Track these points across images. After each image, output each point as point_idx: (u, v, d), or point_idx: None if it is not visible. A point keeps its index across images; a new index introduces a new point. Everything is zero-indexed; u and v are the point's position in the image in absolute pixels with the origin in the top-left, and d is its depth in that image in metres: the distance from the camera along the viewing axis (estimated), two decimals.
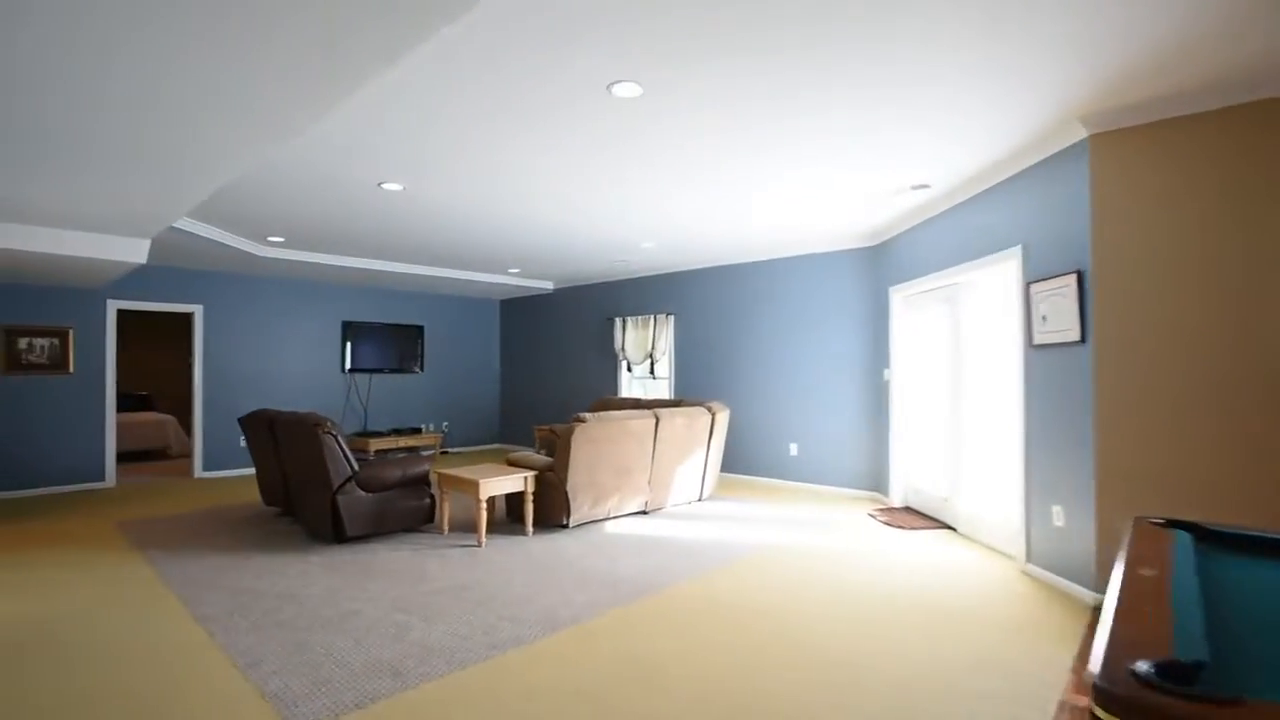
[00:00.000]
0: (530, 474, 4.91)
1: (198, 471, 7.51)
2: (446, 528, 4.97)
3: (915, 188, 4.55)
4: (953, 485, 5.01)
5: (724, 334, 7.57)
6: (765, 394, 7.14)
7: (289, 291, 8.26)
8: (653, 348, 8.18)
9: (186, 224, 5.41)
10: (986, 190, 4.34)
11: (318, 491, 4.63)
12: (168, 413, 10.44)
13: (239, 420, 5.59)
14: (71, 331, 6.75)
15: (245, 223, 5.59)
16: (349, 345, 8.70)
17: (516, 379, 10.34)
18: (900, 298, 5.87)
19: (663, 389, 8.37)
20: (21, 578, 3.97)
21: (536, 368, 9.98)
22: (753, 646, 2.97)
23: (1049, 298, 3.64)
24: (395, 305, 9.30)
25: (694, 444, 5.85)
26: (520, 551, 4.50)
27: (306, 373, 8.41)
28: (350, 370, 8.72)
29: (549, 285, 9.53)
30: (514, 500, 5.25)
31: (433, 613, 3.38)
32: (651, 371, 8.39)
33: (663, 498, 5.71)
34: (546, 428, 8.51)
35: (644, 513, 5.64)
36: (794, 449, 6.88)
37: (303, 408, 8.34)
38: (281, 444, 4.99)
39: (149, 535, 4.95)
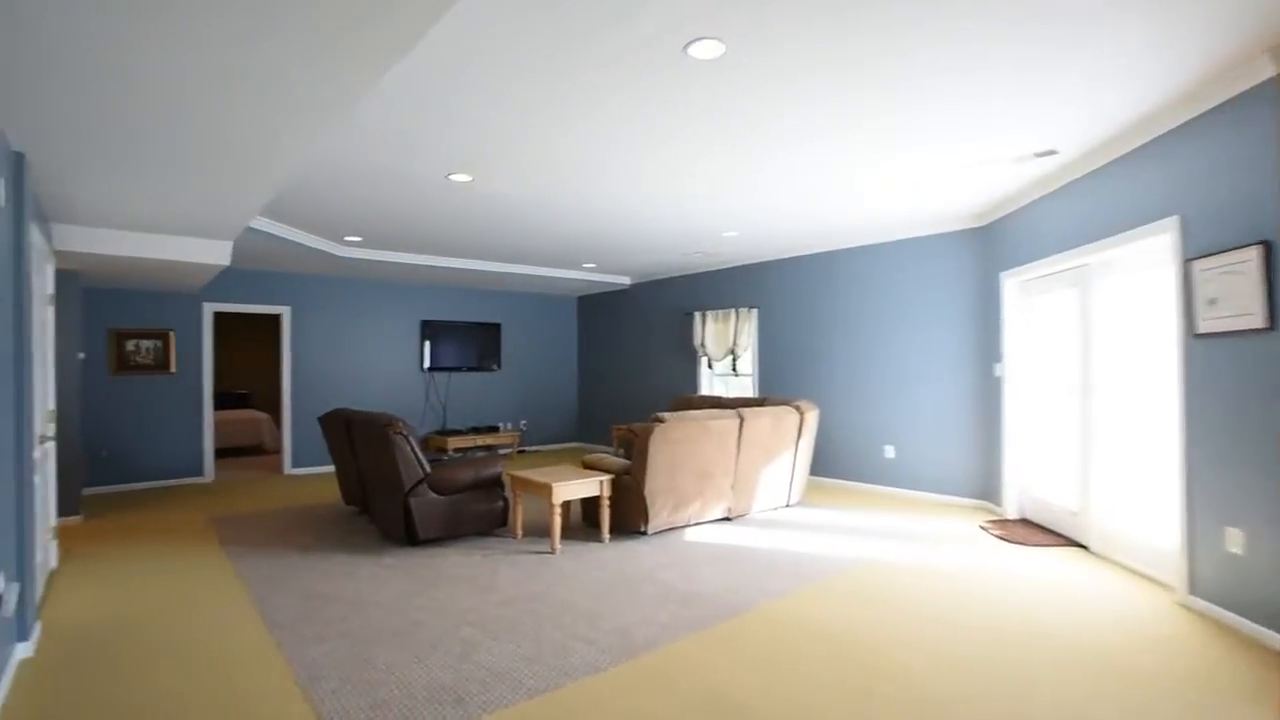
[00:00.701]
0: (606, 478, 4.64)
1: (287, 468, 7.70)
2: (520, 532, 4.77)
3: (1040, 155, 3.95)
4: (1084, 497, 4.37)
5: (811, 328, 7.07)
6: (857, 392, 6.60)
7: (370, 292, 8.37)
8: (734, 343, 7.77)
9: (266, 225, 5.47)
10: (1131, 153, 3.70)
11: (390, 493, 4.53)
12: (265, 411, 10.90)
13: (318, 419, 5.61)
14: (172, 334, 7.04)
15: (322, 223, 5.59)
16: (428, 344, 8.75)
17: (594, 377, 10.15)
18: (1015, 283, 5.22)
19: (745, 387, 7.94)
20: (118, 571, 4.04)
21: (614, 365, 9.76)
22: (851, 686, 2.56)
23: (1219, 276, 3.02)
24: (473, 304, 9.30)
25: (781, 446, 5.42)
26: (595, 560, 4.23)
27: (387, 372, 8.51)
28: (429, 369, 8.77)
29: (626, 280, 9.27)
30: (590, 504, 5.00)
31: (501, 628, 3.15)
32: (733, 368, 7.98)
33: (747, 503, 5.32)
34: (624, 427, 8.25)
35: (727, 519, 5.26)
36: (890, 452, 6.31)
37: (383, 407, 8.45)
38: (357, 444, 4.93)
39: (236, 532, 5.01)
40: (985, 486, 5.62)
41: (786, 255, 7.32)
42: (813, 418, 5.69)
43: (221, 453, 9.23)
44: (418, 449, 4.46)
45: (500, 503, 4.80)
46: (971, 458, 5.73)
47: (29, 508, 3.03)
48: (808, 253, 7.11)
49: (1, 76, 2.31)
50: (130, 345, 6.83)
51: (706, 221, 5.78)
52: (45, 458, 4.09)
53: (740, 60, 2.77)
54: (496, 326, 9.41)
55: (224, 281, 7.31)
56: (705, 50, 2.66)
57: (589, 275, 8.78)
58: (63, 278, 5.32)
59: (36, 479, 3.69)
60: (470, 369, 9.15)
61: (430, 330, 8.77)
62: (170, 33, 1.96)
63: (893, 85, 3.00)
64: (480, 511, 4.69)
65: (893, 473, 6.31)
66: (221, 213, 4.08)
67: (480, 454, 9.07)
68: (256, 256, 6.56)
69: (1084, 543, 4.36)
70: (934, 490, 5.98)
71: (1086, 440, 4.32)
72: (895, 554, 4.32)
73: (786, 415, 5.39)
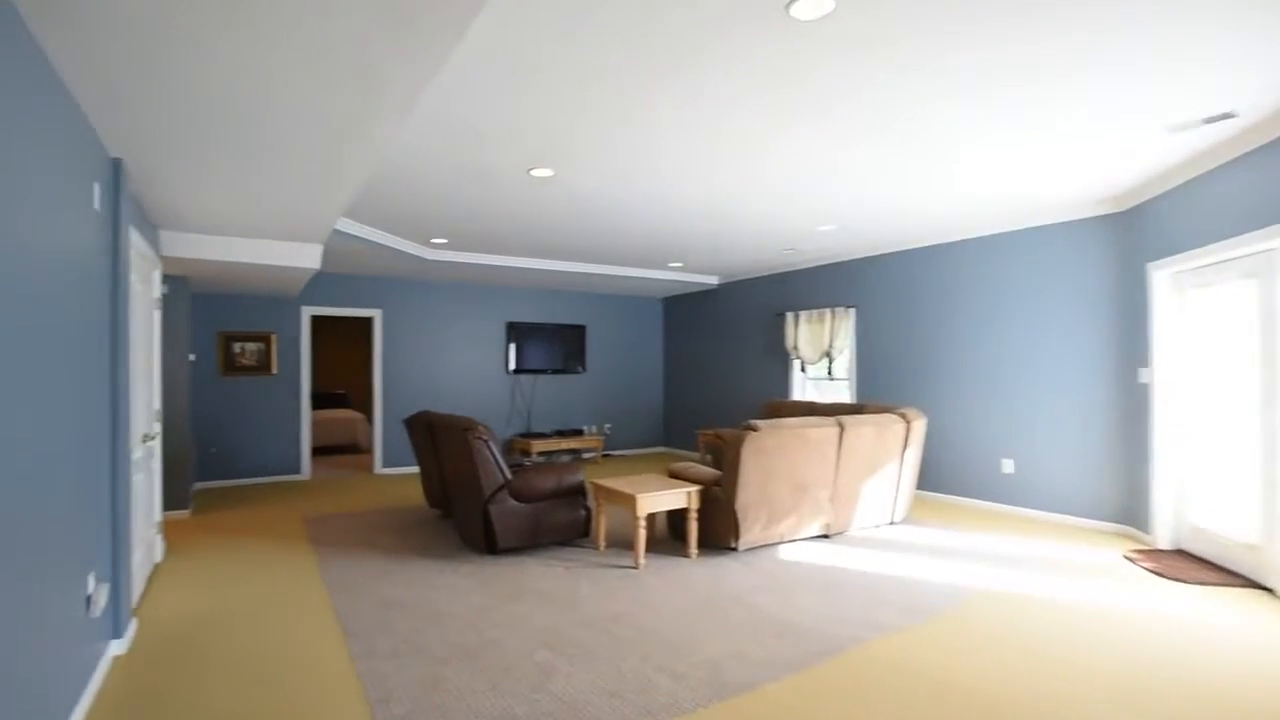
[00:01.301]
0: (694, 489, 4.34)
1: (378, 468, 7.87)
2: (602, 543, 4.54)
3: (1211, 120, 3.33)
4: (1267, 529, 3.67)
5: (915, 328, 6.49)
6: (969, 399, 5.98)
7: (457, 294, 8.44)
8: (830, 345, 7.28)
9: (357, 229, 5.53)
10: None
11: (471, 499, 4.41)
12: (361, 411, 11.30)
13: (403, 421, 5.62)
14: (274, 336, 7.32)
15: (409, 225, 5.60)
16: (513, 346, 8.75)
17: (680, 380, 9.87)
18: (1166, 275, 4.52)
19: (841, 392, 7.43)
20: (215, 568, 4.12)
21: (701, 368, 9.44)
22: None
23: None
24: (558, 306, 9.23)
25: (885, 457, 4.94)
26: (681, 578, 3.93)
27: (473, 374, 8.56)
28: (514, 371, 8.76)
29: (713, 280, 8.94)
30: (676, 517, 4.72)
31: (580, 652, 2.91)
32: (828, 372, 7.48)
33: (847, 519, 4.87)
34: (712, 432, 7.92)
35: (824, 537, 4.84)
36: (1008, 466, 5.67)
37: (469, 409, 8.50)
38: (440, 447, 4.87)
39: (325, 531, 5.06)
40: (1127, 510, 4.91)
41: (887, 250, 6.77)
42: (920, 427, 5.17)
43: (320, 450, 9.60)
44: (498, 454, 4.32)
45: (582, 512, 4.60)
46: (1109, 476, 5.03)
47: (124, 510, 3.06)
48: (911, 247, 6.54)
49: (99, 86, 2.31)
50: (237, 348, 7.15)
51: (801, 215, 5.38)
52: (150, 455, 4.23)
53: (847, 20, 2.41)
54: (581, 328, 9.31)
55: (320, 286, 7.54)
56: (810, 8, 2.32)
57: (675, 275, 8.51)
58: (173, 283, 5.57)
59: (139, 477, 3.79)
60: (555, 371, 9.08)
61: (515, 332, 8.77)
62: (253, 13, 1.84)
63: (1028, 44, 2.55)
64: (562, 521, 4.50)
65: (1011, 490, 5.66)
66: (308, 212, 4.09)
67: (564, 458, 8.98)
68: (349, 261, 6.70)
69: (1266, 584, 3.66)
70: (1061, 511, 5.31)
71: (1271, 461, 3.62)
72: (1023, 585, 3.78)
73: (891, 424, 4.91)
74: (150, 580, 3.99)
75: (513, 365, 8.74)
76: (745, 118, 3.34)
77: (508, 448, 8.75)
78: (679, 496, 4.29)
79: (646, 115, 3.31)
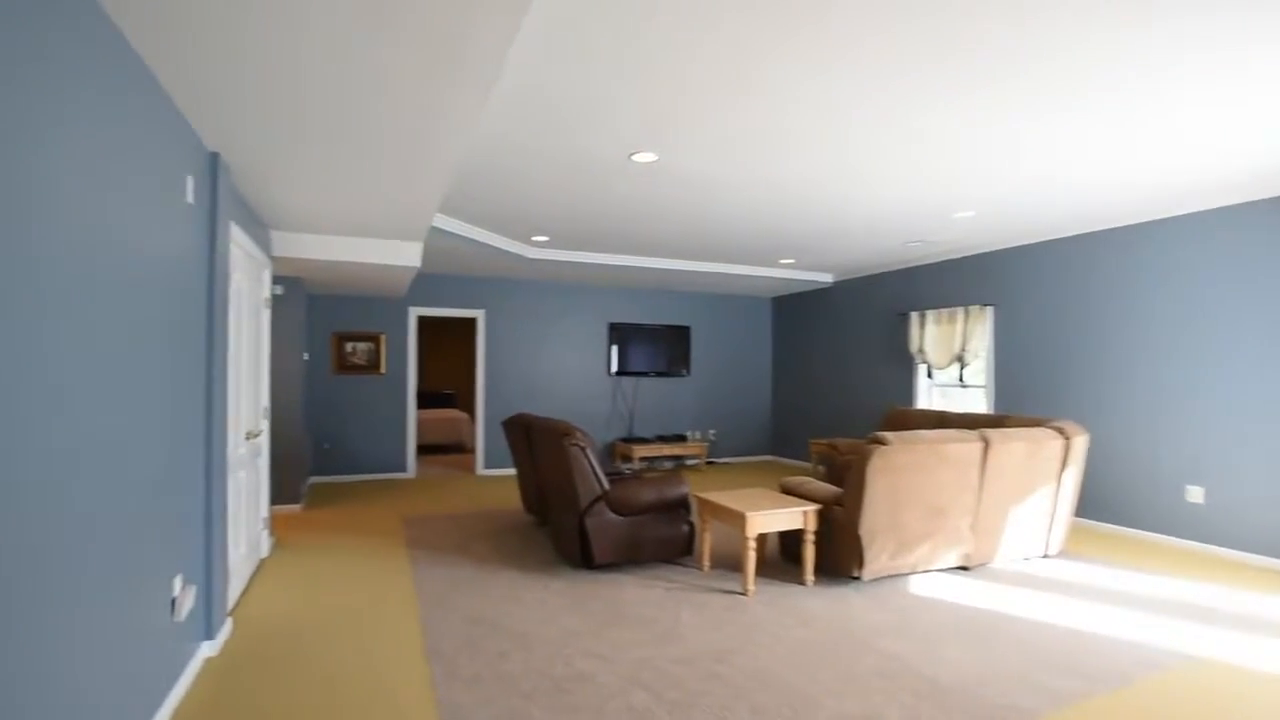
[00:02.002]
0: (811, 508, 3.84)
1: (479, 469, 7.85)
2: (706, 563, 4.14)
3: None
4: None
5: (1069, 328, 5.62)
6: (1143, 413, 5.07)
7: (558, 294, 8.31)
8: (962, 348, 6.49)
9: (458, 227, 5.44)
10: None
11: (566, 509, 4.14)
12: (467, 411, 11.50)
13: (501, 424, 5.47)
14: (383, 336, 7.47)
15: (509, 222, 5.45)
16: (615, 348, 8.51)
17: (790, 385, 9.27)
18: None
19: (976, 401, 6.61)
20: (315, 567, 4.09)
21: (813, 372, 8.81)
22: None
23: None
24: (661, 306, 8.91)
25: (1038, 479, 4.22)
26: (797, 611, 3.46)
27: (575, 375, 8.39)
28: (616, 373, 8.51)
29: (828, 278, 8.30)
30: (790, 537, 4.23)
31: (681, 696, 2.53)
32: (960, 378, 6.69)
33: (990, 550, 4.19)
34: (825, 442, 7.32)
35: (964, 569, 4.19)
36: (1196, 494, 4.73)
37: (570, 411, 8.34)
38: (536, 452, 4.64)
39: (422, 533, 4.97)
40: None
41: (1035, 240, 5.92)
42: (1080, 444, 4.39)
43: (427, 449, 9.80)
44: (596, 463, 4.02)
45: (685, 527, 4.21)
46: None
47: (218, 511, 3.00)
48: (1068, 234, 5.67)
49: (189, 77, 2.21)
50: (348, 347, 7.34)
51: (938, 200, 4.73)
52: (258, 453, 4.27)
53: None
54: (685, 330, 8.94)
55: (426, 286, 7.63)
56: None
57: (787, 273, 7.96)
58: (288, 284, 5.72)
59: (243, 474, 3.79)
60: (658, 374, 8.76)
61: (618, 333, 8.52)
62: None
63: None
64: (663, 536, 4.14)
65: (1198, 523, 4.72)
66: (405, 204, 3.97)
67: (667, 464, 8.64)
68: (452, 261, 6.68)
69: None
70: (1269, 553, 4.34)
71: None
72: (1241, 648, 3.01)
73: (1047, 441, 4.18)
74: (255, 576, 4.01)
75: (614, 367, 8.50)
76: (887, 87, 2.84)
77: (609, 452, 8.52)
78: (794, 516, 3.81)
79: (761, 87, 2.88)
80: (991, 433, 4.04)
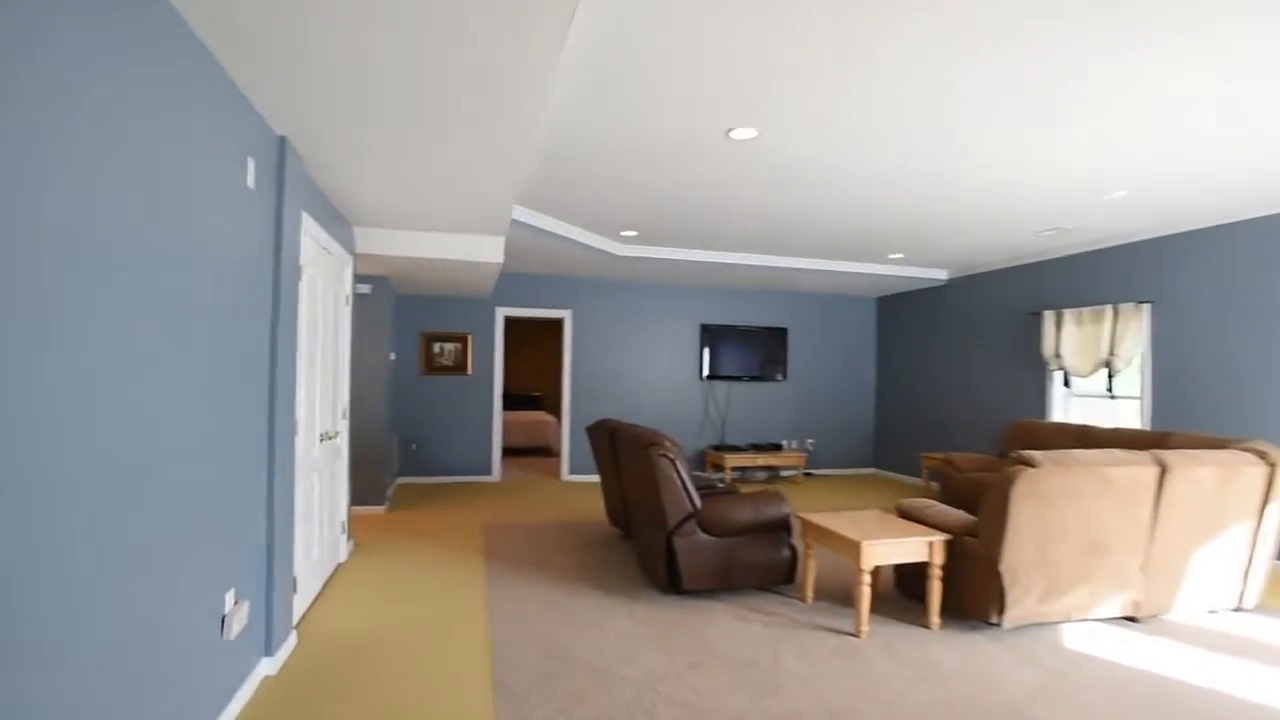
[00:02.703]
0: (938, 538, 3.26)
1: (564, 474, 7.61)
2: (810, 593, 3.63)
3: None
4: None
5: (1254, 330, 4.67)
6: None
7: (648, 294, 7.96)
8: (1110, 353, 5.60)
9: (543, 221, 5.18)
10: None
11: (653, 525, 3.75)
12: (554, 414, 11.37)
13: (586, 430, 5.15)
14: (470, 337, 7.37)
15: (594, 215, 5.13)
16: (706, 350, 8.05)
17: (896, 391, 8.50)
18: None
19: (1127, 414, 5.69)
20: (389, 575, 3.90)
21: (923, 378, 8.01)
22: None
23: None
24: (756, 306, 8.38)
25: (1230, 513, 3.43)
26: (922, 662, 2.90)
27: (664, 379, 8.00)
28: (708, 377, 8.06)
29: (941, 275, 7.51)
30: (908, 568, 3.65)
31: None
32: (1108, 388, 5.78)
33: (1166, 598, 3.44)
34: (939, 457, 6.58)
35: (1131, 620, 3.45)
36: None
37: (659, 416, 7.95)
38: (621, 461, 4.28)
39: (501, 543, 4.72)
40: None
41: (1203, 225, 4.99)
42: None
43: (514, 451, 9.70)
44: (687, 476, 3.60)
45: (786, 552, 3.72)
46: None
47: (282, 522, 2.81)
48: (1241, 219, 4.73)
49: (249, 54, 2.02)
50: (436, 348, 7.28)
51: (1087, 179, 4.01)
52: (336, 455, 4.13)
53: None
54: (782, 332, 8.36)
55: (513, 286, 7.47)
56: None
57: (895, 269, 7.24)
58: (376, 283, 5.66)
59: (316, 476, 3.63)
60: (752, 378, 8.23)
61: (710, 335, 8.07)
62: None
63: None
64: (760, 561, 3.66)
65: None
66: (483, 191, 3.71)
67: (761, 474, 8.10)
68: (537, 258, 6.46)
69: None
70: None
71: None
72: None
73: (1243, 467, 3.39)
74: (330, 581, 3.86)
75: (706, 371, 8.05)
76: (1039, 43, 2.27)
77: (699, 461, 8.08)
78: (917, 547, 3.24)
79: (878, 54, 2.38)
80: (1170, 455, 3.30)
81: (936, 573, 3.25)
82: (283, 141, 2.81)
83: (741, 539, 3.66)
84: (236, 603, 2.40)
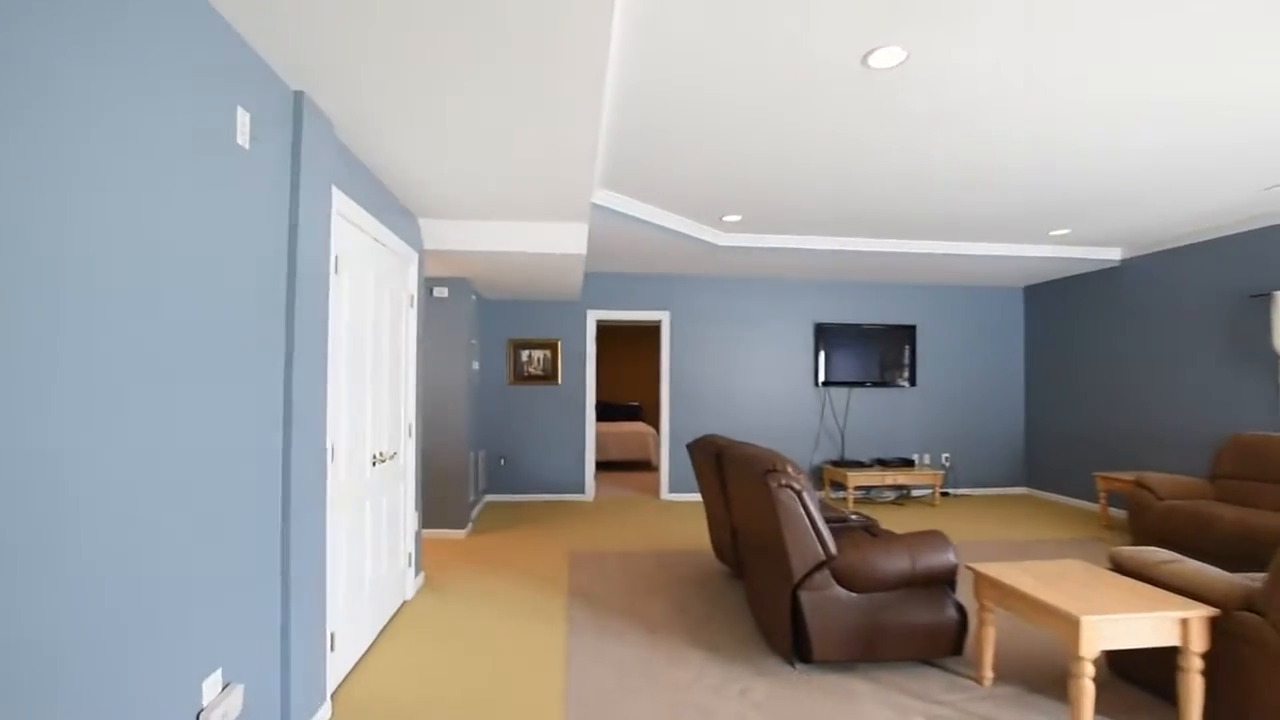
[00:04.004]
0: (1197, 614, 2.24)
1: (664, 493, 6.87)
2: (988, 671, 2.68)
3: None
4: None
5: None
6: None
7: (754, 291, 7.10)
8: None
9: (626, 205, 4.49)
10: None
11: (771, 573, 2.94)
12: (653, 424, 10.69)
13: (686, 447, 4.39)
14: (559, 343, 6.81)
15: (692, 196, 4.38)
16: (822, 353, 7.08)
17: (1052, 396, 7.15)
18: None
19: None
20: (452, 621, 3.32)
21: (1090, 381, 6.65)
22: None
23: None
24: (878, 301, 7.31)
25: None
26: None
27: (773, 386, 7.10)
28: (824, 384, 7.08)
29: (1114, 254, 6.18)
30: (1140, 655, 2.62)
31: None
32: None
33: None
34: (1125, 478, 5.32)
35: None
36: None
37: (769, 428, 7.05)
38: (729, 486, 3.50)
39: (589, 579, 4.05)
40: None
41: None
42: None
43: (610, 465, 9.10)
44: (817, 512, 2.76)
45: (952, 613, 2.79)
46: None
47: (308, 569, 2.25)
48: None
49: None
50: (524, 355, 6.78)
51: None
52: (399, 476, 3.61)
53: None
54: (910, 330, 7.25)
55: (604, 287, 6.86)
56: None
57: (1054, 250, 6.01)
58: (453, 285, 5.18)
59: (369, 505, 3.09)
60: (874, 384, 7.17)
61: (825, 336, 7.09)
62: None
63: None
64: (917, 626, 2.76)
65: None
66: (557, 167, 3.06)
67: (888, 494, 7.02)
68: (630, 255, 5.79)
69: None
70: None
71: None
72: None
73: None
74: (390, 624, 3.31)
75: (822, 376, 7.08)
76: None
77: (816, 478, 7.11)
78: (1163, 626, 2.24)
79: None
80: None
81: (1196, 665, 2.23)
82: (299, 97, 2.26)
83: (891, 595, 2.77)
84: (225, 688, 1.83)
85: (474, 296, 5.71)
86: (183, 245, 1.63)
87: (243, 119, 1.91)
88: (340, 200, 2.64)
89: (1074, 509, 6.55)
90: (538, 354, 6.79)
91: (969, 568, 2.75)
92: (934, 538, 2.83)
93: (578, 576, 4.16)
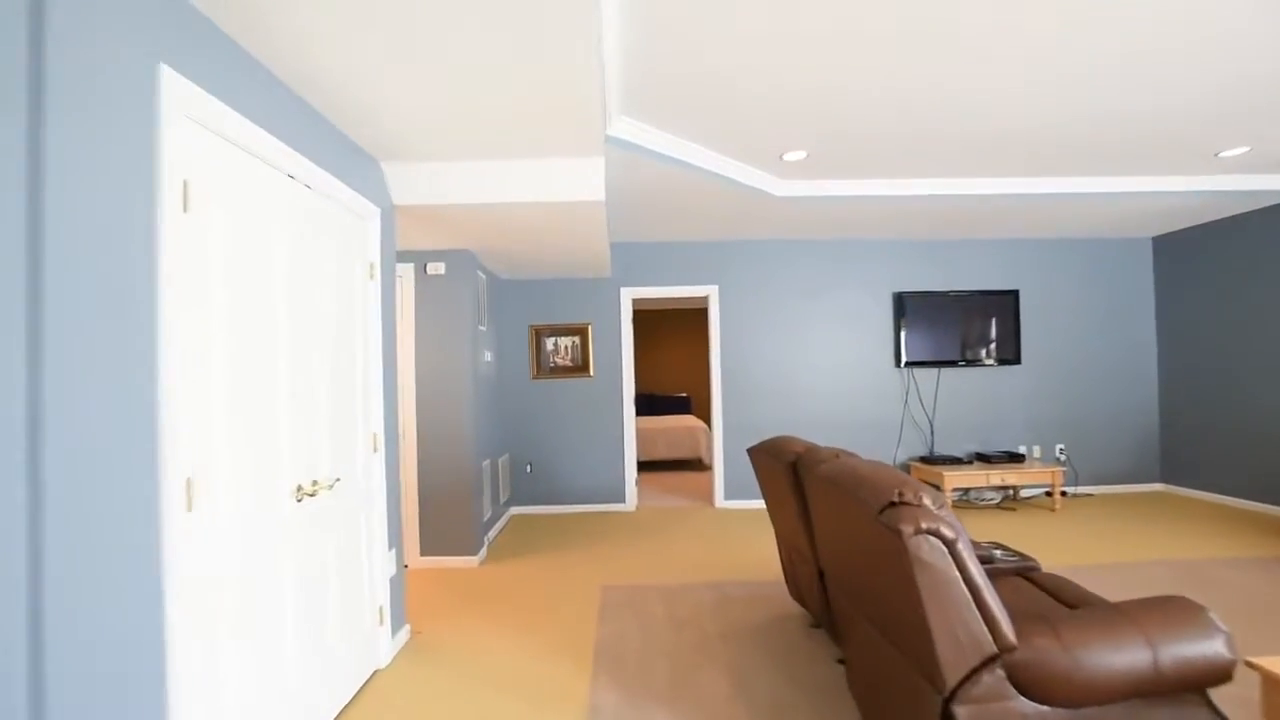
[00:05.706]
0: None
1: (718, 499, 5.80)
2: None
3: None
4: None
5: None
6: None
7: (819, 255, 5.93)
8: None
9: (658, 139, 3.43)
10: None
11: (898, 664, 1.86)
12: (704, 418, 9.64)
13: (748, 452, 3.31)
14: (590, 328, 5.80)
15: (741, 127, 3.29)
16: (903, 328, 5.88)
17: (1196, 374, 5.77)
18: None
19: None
20: (437, 702, 2.36)
21: (1253, 352, 5.27)
22: None
23: None
24: (972, 262, 6.06)
25: None
26: None
27: (845, 368, 5.93)
28: (906, 364, 5.88)
29: None
30: None
31: None
32: None
33: None
34: None
35: None
36: None
37: (842, 418, 5.90)
38: (816, 512, 2.42)
39: (623, 629, 3.04)
40: None
41: None
42: None
43: (655, 465, 8.09)
44: (979, 573, 1.66)
45: None
46: None
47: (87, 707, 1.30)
48: None
49: None
50: (549, 344, 5.80)
51: None
52: (358, 508, 2.66)
53: None
54: (1011, 295, 5.97)
55: (640, 258, 5.82)
56: None
57: (1213, 182, 4.68)
58: (451, 258, 4.23)
59: (286, 561, 2.14)
60: (967, 363, 5.93)
61: (908, 307, 5.89)
62: None
63: None
64: None
65: None
66: (556, 68, 2.02)
67: (990, 496, 5.78)
68: (669, 211, 4.73)
69: None
70: None
71: None
72: None
73: None
74: (349, 707, 2.37)
75: (904, 356, 5.88)
76: None
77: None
78: None
79: None
80: None
81: None
82: None
83: (1115, 709, 1.65)
84: None
85: (482, 274, 4.75)
86: None
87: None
88: (188, 93, 1.66)
89: (1231, 510, 5.20)
90: (565, 341, 5.80)
91: (1251, 664, 1.61)
92: (1181, 609, 1.69)
93: (609, 626, 3.15)
